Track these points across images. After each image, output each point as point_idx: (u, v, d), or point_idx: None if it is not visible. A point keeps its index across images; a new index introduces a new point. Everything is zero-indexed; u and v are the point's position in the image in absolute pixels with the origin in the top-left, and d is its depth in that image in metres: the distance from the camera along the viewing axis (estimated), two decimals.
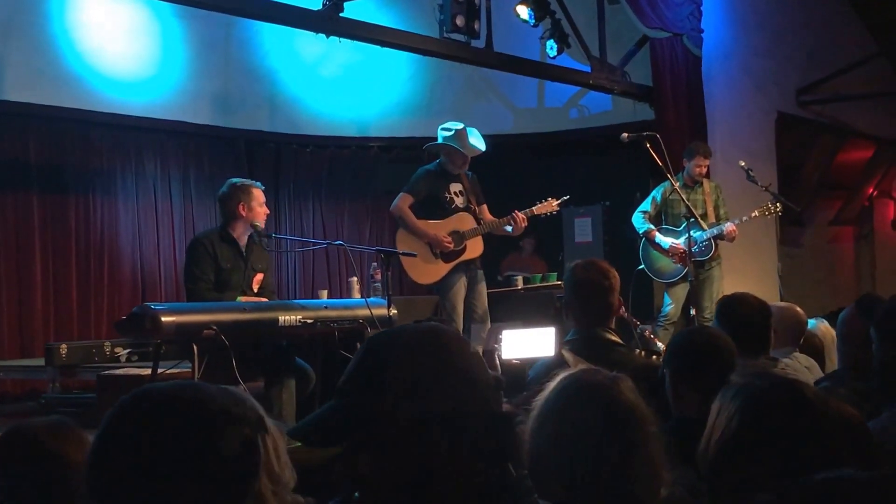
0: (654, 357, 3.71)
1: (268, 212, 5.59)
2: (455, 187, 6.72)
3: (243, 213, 5.45)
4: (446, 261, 6.60)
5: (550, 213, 6.86)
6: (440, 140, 6.68)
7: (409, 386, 1.42)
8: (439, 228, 6.59)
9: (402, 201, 6.61)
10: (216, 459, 1.28)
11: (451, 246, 6.57)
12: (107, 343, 6.89)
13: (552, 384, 2.03)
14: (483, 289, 6.80)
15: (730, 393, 1.81)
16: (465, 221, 6.68)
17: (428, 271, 6.58)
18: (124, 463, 1.27)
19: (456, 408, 1.42)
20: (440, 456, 1.40)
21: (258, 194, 5.52)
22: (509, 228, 6.73)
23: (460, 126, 6.66)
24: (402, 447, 1.40)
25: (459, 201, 6.70)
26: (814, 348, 4.90)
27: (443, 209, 6.65)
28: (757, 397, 1.76)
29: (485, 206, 6.86)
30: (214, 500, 1.28)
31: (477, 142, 6.67)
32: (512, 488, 1.46)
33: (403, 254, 6.20)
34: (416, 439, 1.40)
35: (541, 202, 6.81)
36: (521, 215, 6.61)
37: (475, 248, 6.71)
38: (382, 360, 1.47)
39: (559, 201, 6.88)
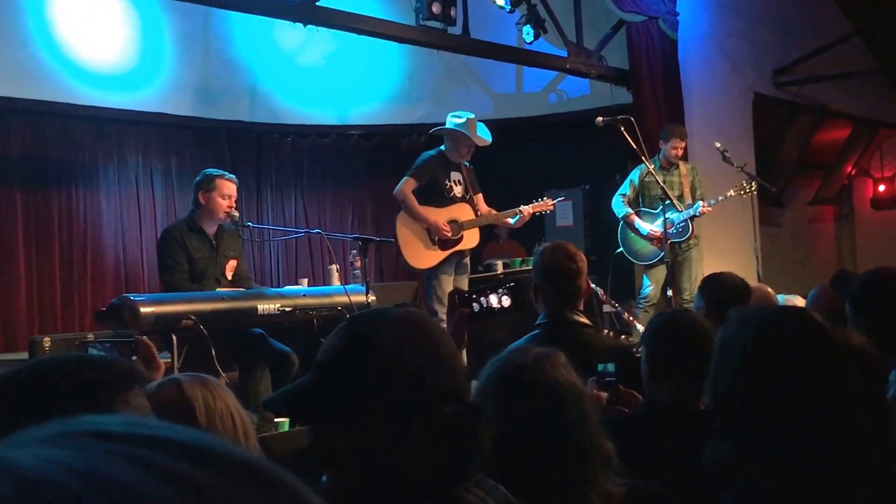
0: (623, 337, 3.79)
1: (231, 205, 5.55)
2: (455, 176, 6.84)
3: (202, 202, 5.49)
4: (443, 248, 6.73)
5: (545, 211, 7.05)
6: (451, 126, 6.78)
7: (394, 371, 1.42)
8: (439, 216, 6.70)
9: (406, 185, 6.71)
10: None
11: (450, 234, 6.69)
12: (90, 335, 6.91)
13: (484, 369, 2.10)
14: (465, 280, 6.93)
15: (735, 324, 1.81)
16: (464, 212, 6.83)
17: (424, 256, 6.71)
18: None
19: (436, 397, 1.43)
20: (414, 444, 1.41)
21: (223, 185, 5.51)
22: (513, 221, 6.90)
23: (471, 116, 6.81)
24: (378, 432, 1.41)
25: (458, 190, 6.83)
26: None
27: (441, 196, 6.77)
28: (770, 324, 1.77)
29: (480, 196, 7.00)
30: None
31: (484, 134, 6.85)
32: (463, 473, 1.48)
33: (381, 240, 6.29)
34: (393, 425, 1.41)
35: (537, 201, 7.00)
36: (528, 210, 6.84)
37: (471, 239, 6.86)
38: (370, 343, 1.45)
39: (554, 201, 7.07)
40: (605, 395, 3.09)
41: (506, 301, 2.95)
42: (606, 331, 3.97)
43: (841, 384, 1.69)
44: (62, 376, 1.44)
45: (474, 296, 2.95)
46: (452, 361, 1.49)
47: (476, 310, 2.92)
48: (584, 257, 3.76)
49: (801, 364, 1.69)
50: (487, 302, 2.93)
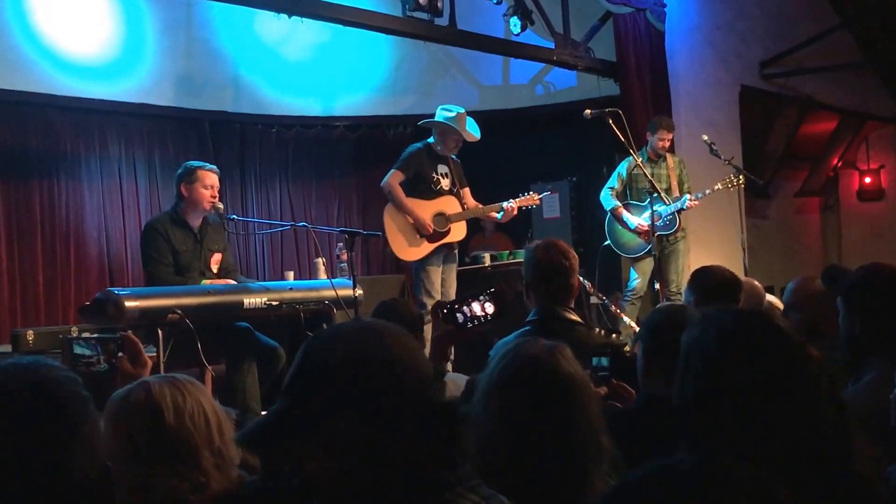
0: (614, 336, 3.77)
1: (214, 195, 5.51)
2: (442, 169, 6.85)
3: (185, 194, 5.44)
4: (431, 241, 6.74)
5: (532, 205, 7.04)
6: (441, 119, 6.76)
7: (352, 385, 1.44)
8: (426, 209, 6.70)
9: (393, 178, 6.72)
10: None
11: (432, 230, 6.68)
12: (74, 328, 6.83)
13: (494, 360, 2.08)
14: (454, 271, 6.94)
15: (698, 328, 1.80)
16: (451, 205, 6.83)
17: (412, 249, 6.72)
18: None
19: (396, 402, 1.44)
20: (385, 453, 1.43)
21: (204, 176, 5.46)
22: (499, 216, 6.91)
23: (462, 110, 6.82)
24: (347, 446, 1.43)
25: (445, 183, 6.83)
26: None
27: (428, 189, 6.77)
28: (731, 328, 1.75)
29: (467, 190, 7.01)
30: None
31: (473, 130, 6.85)
32: (452, 478, 1.48)
33: (367, 234, 6.26)
34: (360, 438, 1.42)
35: (523, 195, 6.99)
36: (514, 206, 6.84)
37: (458, 232, 6.86)
38: (321, 361, 1.48)
39: (540, 195, 7.07)
40: (603, 389, 3.07)
41: (489, 308, 2.93)
42: (597, 329, 3.93)
43: (805, 387, 1.68)
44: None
45: (456, 306, 2.92)
46: (413, 367, 1.49)
47: (461, 320, 2.90)
48: (576, 254, 3.73)
49: (764, 368, 1.68)
50: (471, 311, 2.91)
